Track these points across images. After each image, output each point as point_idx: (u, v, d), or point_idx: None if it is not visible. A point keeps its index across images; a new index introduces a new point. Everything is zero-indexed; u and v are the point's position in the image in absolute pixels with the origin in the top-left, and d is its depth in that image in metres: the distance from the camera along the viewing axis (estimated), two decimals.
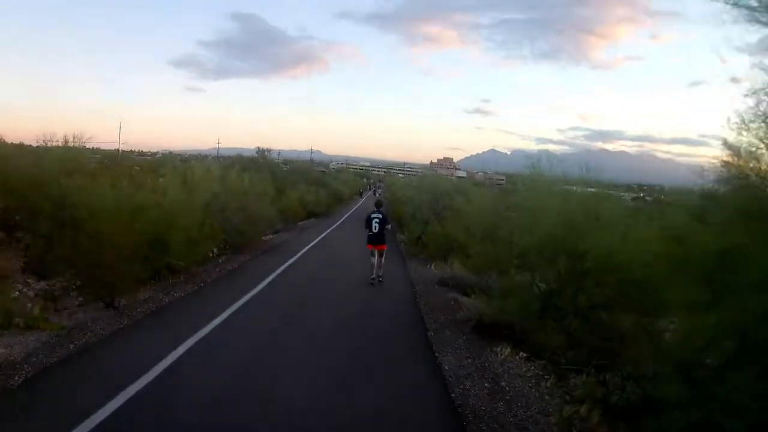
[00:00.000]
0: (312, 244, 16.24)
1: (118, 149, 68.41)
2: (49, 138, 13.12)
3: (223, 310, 7.50)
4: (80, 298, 7.81)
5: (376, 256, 10.69)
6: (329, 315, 7.87)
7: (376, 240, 10.65)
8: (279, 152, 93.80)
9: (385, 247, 10.88)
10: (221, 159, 53.73)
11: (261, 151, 40.41)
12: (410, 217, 17.91)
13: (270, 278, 10.25)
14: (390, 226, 11.33)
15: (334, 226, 22.96)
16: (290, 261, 12.52)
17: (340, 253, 14.63)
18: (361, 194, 59.31)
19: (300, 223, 24.83)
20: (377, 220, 10.69)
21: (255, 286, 9.28)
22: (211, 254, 13.10)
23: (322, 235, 19.06)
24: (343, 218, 28.35)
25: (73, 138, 10.09)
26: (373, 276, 10.67)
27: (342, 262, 13.07)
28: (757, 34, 3.14)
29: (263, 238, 17.98)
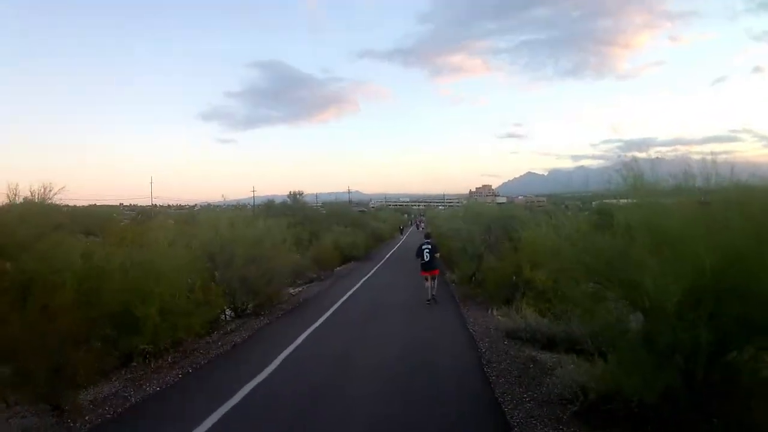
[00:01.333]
0: (347, 296, 13.71)
1: (152, 204, 69.45)
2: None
3: (210, 412, 5.12)
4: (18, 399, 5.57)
5: (430, 280, 12.13)
6: (363, 414, 5.26)
7: (428, 267, 12.09)
8: (317, 196, 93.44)
9: (438, 272, 12.51)
10: (255, 207, 52.87)
11: (293, 195, 38.92)
12: (460, 252, 15.19)
13: (286, 353, 7.76)
14: (438, 254, 12.73)
15: (373, 271, 20.37)
16: (318, 323, 10.03)
17: (382, 306, 12.07)
18: (401, 231, 55.29)
19: (337, 269, 22.51)
20: (428, 250, 12.13)
21: (264, 369, 6.84)
22: (223, 317, 10.92)
23: (360, 283, 16.51)
24: (384, 259, 25.74)
25: (41, 191, 7.95)
26: (429, 297, 12.04)
27: (384, 319, 10.47)
28: None
29: (291, 291, 15.72)
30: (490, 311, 10.58)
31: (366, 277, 18.09)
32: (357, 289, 15.10)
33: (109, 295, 6.22)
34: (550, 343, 7.86)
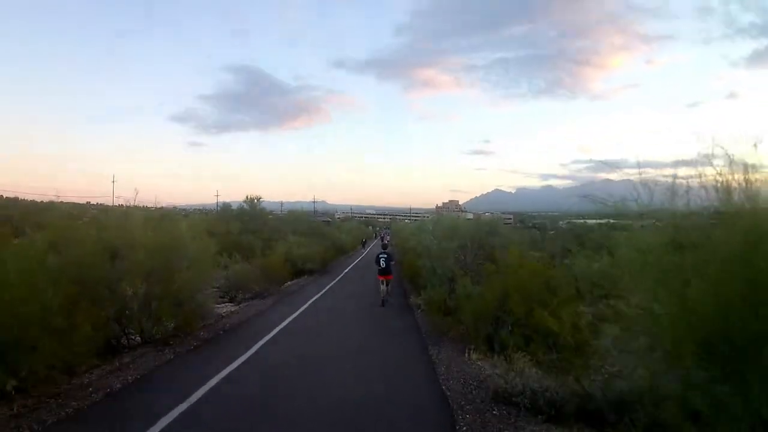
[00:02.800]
0: (285, 323, 10.95)
1: (113, 203, 64.56)
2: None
3: None
4: None
5: (384, 284, 13.90)
6: None
7: (384, 272, 14.04)
8: (282, 204, 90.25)
9: (391, 277, 14.50)
10: (215, 212, 49.54)
11: (250, 201, 35.97)
12: (428, 273, 12.69)
13: (169, 419, 5.09)
14: (394, 262, 15.05)
15: (325, 290, 17.58)
16: (232, 366, 7.30)
17: (326, 341, 9.46)
18: (363, 244, 51.97)
19: (288, 283, 19.72)
20: (384, 258, 14.08)
21: None
22: (126, 342, 8.22)
23: (306, 305, 13.76)
24: (340, 276, 23.04)
25: None
26: (382, 298, 13.75)
27: (325, 363, 7.78)
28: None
29: (223, 311, 12.91)
30: (467, 353, 8.10)
31: (315, 298, 15.31)
32: (300, 313, 12.33)
33: None
34: (558, 413, 5.48)
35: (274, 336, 9.49)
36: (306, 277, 21.86)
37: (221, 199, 71.80)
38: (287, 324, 10.74)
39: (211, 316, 11.66)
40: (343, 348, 8.70)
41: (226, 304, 14.99)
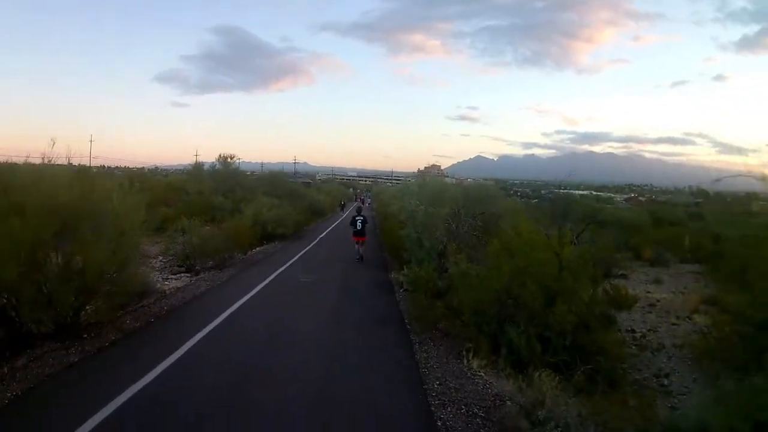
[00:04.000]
0: (238, 304, 8.97)
1: (90, 164, 60.61)
2: None
3: None
4: None
5: (360, 244, 15.47)
6: None
7: (359, 234, 15.47)
8: (262, 164, 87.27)
9: (366, 239, 15.92)
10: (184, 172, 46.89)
11: (223, 159, 33.41)
12: (413, 244, 10.72)
13: None
14: (368, 224, 16.25)
15: (294, 259, 15.54)
16: (158, 371, 5.38)
17: (285, 336, 7.44)
18: (342, 207, 48.84)
19: (256, 249, 17.66)
20: (360, 221, 15.46)
21: None
22: (36, 330, 6.23)
23: (269, 279, 11.75)
24: (315, 241, 20.98)
25: None
26: (358, 256, 15.34)
27: (278, 373, 5.73)
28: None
29: (169, 286, 10.88)
30: (465, 358, 6.26)
31: (282, 269, 13.29)
32: (259, 292, 10.28)
33: None
34: None
35: (217, 327, 7.45)
36: (276, 242, 19.77)
37: (202, 159, 68.39)
38: (239, 307, 8.70)
39: (150, 294, 9.69)
40: (303, 346, 6.75)
41: (181, 275, 13.00)
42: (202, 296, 9.70)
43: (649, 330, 9.94)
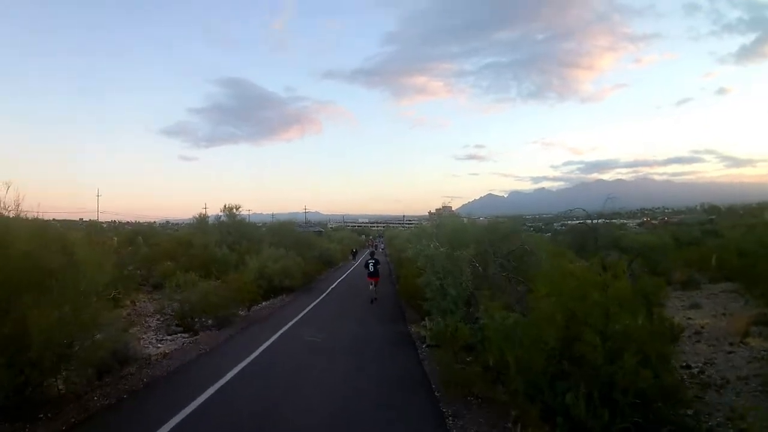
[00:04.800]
0: (236, 371, 7.58)
1: (97, 219, 60.36)
2: None
3: None
4: None
5: (373, 285, 16.85)
6: None
7: (373, 275, 16.88)
8: (273, 215, 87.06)
9: (378, 279, 17.33)
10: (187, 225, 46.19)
11: (228, 210, 32.36)
12: (436, 293, 9.20)
13: None
14: (380, 266, 17.83)
15: (305, 312, 14.08)
16: None
17: (296, 398, 6.02)
18: (354, 255, 46.10)
19: (263, 304, 16.25)
20: (372, 263, 16.86)
21: None
22: None
23: (274, 338, 10.31)
24: (325, 293, 19.56)
25: None
26: (373, 297, 16.61)
27: None
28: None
29: (153, 353, 9.48)
30: None
31: (287, 327, 11.76)
32: (259, 355, 8.82)
33: None
34: None
35: (199, 409, 5.97)
36: (283, 296, 18.35)
37: (212, 212, 67.93)
38: (230, 380, 7.26)
39: (133, 361, 8.32)
40: (313, 424, 5.29)
41: (177, 336, 11.65)
42: (191, 365, 8.25)
43: (705, 363, 8.27)
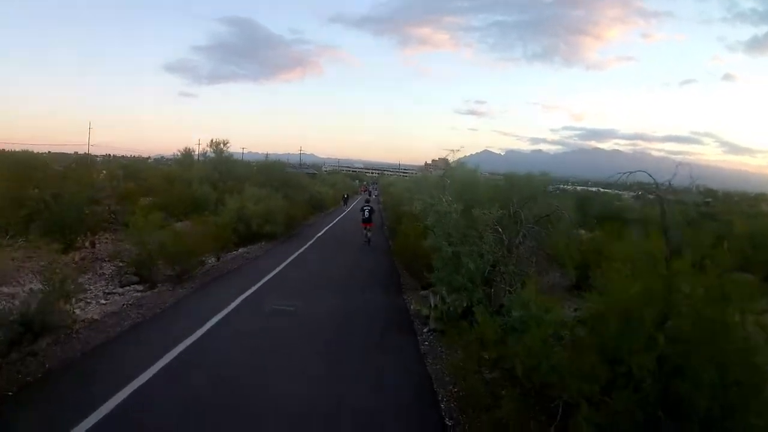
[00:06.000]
0: (186, 344, 5.63)
1: (88, 153, 57.40)
2: None
3: None
4: None
5: (367, 230, 17.86)
6: None
7: (367, 221, 17.82)
8: (267, 155, 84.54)
9: (373, 225, 18.60)
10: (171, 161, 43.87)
11: (215, 146, 29.83)
12: (447, 264, 7.07)
13: None
14: (374, 214, 19.21)
15: (285, 263, 12.10)
16: None
17: (257, 394, 4.09)
18: (345, 201, 41.46)
19: (235, 253, 14.22)
20: (367, 210, 17.87)
21: None
22: None
23: (240, 300, 8.33)
24: (311, 242, 17.55)
25: None
26: (365, 239, 17.66)
27: None
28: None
29: (91, 317, 7.46)
30: None
31: (258, 285, 9.76)
32: (214, 326, 6.87)
33: None
34: None
35: (115, 413, 4.05)
36: (262, 243, 16.29)
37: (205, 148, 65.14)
38: (168, 364, 5.27)
39: (55, 329, 6.30)
40: None
41: (130, 288, 9.73)
42: (115, 344, 6.08)
43: None
